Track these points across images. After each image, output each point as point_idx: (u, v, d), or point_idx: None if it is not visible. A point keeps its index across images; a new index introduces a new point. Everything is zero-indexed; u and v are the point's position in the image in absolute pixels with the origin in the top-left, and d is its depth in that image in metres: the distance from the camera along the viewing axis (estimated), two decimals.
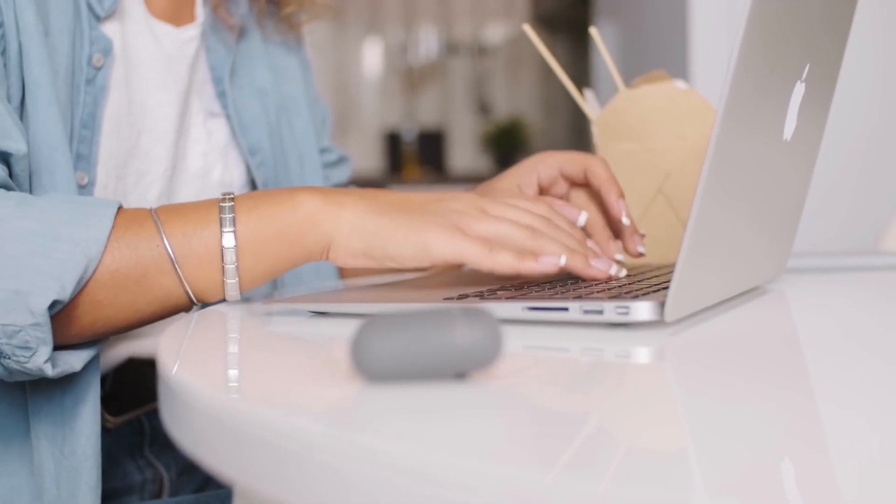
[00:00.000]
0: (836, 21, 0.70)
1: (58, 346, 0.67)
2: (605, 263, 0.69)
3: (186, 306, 0.70)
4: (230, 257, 0.67)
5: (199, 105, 0.94)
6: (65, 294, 0.63)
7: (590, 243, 0.76)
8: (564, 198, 0.86)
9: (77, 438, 0.74)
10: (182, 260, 0.67)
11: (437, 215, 0.68)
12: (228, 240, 0.67)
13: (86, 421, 0.74)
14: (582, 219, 0.81)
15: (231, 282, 0.68)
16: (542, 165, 0.85)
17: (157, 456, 0.94)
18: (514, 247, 0.67)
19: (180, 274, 0.67)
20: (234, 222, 0.67)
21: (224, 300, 0.70)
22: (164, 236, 0.67)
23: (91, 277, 0.65)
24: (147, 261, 0.66)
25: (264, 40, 1.03)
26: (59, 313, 0.65)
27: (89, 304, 0.66)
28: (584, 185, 0.84)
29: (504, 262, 0.66)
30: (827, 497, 0.28)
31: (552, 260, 0.66)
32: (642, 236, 0.82)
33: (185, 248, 0.67)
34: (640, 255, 0.81)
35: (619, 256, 0.81)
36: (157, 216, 0.68)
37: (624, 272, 0.71)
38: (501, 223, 0.69)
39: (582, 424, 0.38)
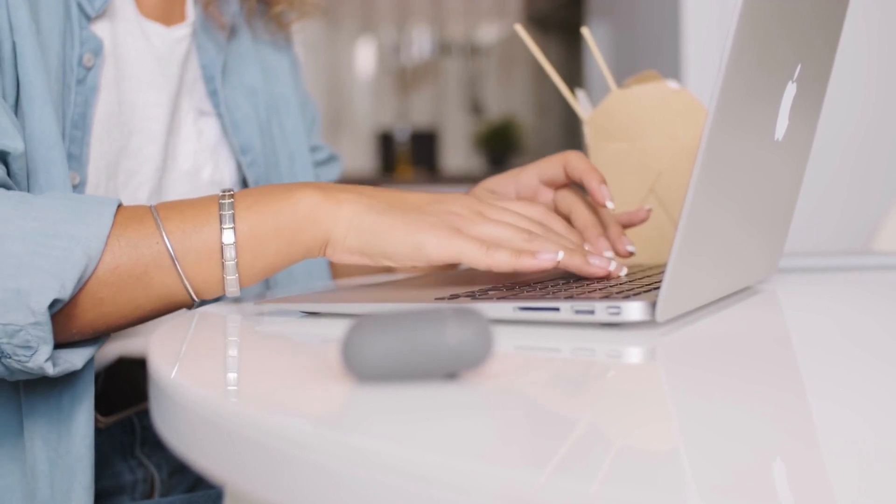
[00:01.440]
0: (827, 21, 0.70)
1: (58, 345, 0.66)
2: (604, 261, 0.69)
3: (187, 303, 0.70)
4: (230, 254, 0.67)
5: (190, 104, 0.94)
6: (65, 292, 0.62)
7: (586, 246, 0.76)
8: (550, 204, 0.85)
9: (73, 438, 0.74)
10: (182, 257, 0.67)
11: (435, 216, 0.69)
12: (228, 236, 0.67)
13: (81, 421, 0.74)
14: (610, 204, 0.80)
15: (231, 278, 0.68)
16: (522, 177, 0.86)
17: (148, 456, 0.94)
18: (511, 247, 0.68)
19: (180, 271, 0.67)
20: (233, 219, 0.67)
21: (223, 297, 0.70)
22: (164, 233, 0.67)
23: (91, 275, 0.65)
24: (147, 258, 0.66)
25: (254, 40, 1.03)
26: (60, 312, 0.65)
27: (90, 302, 0.66)
28: (567, 184, 0.84)
29: (501, 260, 0.66)
30: (819, 496, 0.28)
31: (550, 256, 0.67)
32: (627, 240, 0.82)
33: (185, 245, 0.67)
34: (630, 254, 0.80)
35: (609, 254, 0.81)
36: (157, 213, 0.68)
37: (625, 270, 0.71)
38: (498, 225, 0.69)
39: (573, 425, 0.38)
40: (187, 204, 0.69)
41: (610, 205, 0.79)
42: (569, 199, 0.84)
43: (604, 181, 0.80)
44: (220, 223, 0.67)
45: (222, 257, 0.67)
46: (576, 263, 0.68)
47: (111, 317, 0.68)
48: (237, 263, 0.68)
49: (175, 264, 0.67)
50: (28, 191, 0.74)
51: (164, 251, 0.67)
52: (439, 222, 0.68)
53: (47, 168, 0.74)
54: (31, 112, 0.74)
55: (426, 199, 0.72)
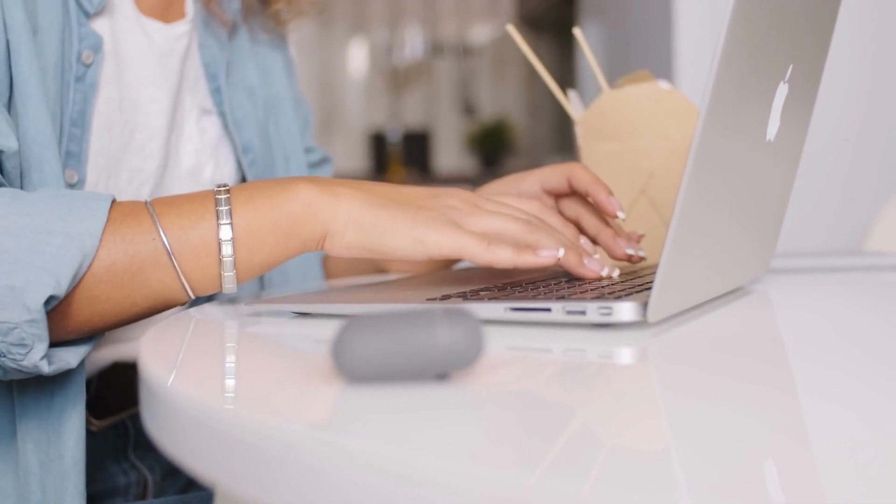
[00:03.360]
0: (819, 22, 0.70)
1: (52, 344, 0.66)
2: (598, 264, 0.69)
3: (183, 300, 0.69)
4: (227, 249, 0.67)
5: (193, 102, 0.94)
6: (60, 289, 0.62)
7: (583, 240, 0.75)
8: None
9: (65, 442, 0.73)
10: (179, 253, 0.66)
11: (433, 210, 0.68)
12: (225, 232, 0.67)
13: (73, 424, 0.74)
14: (622, 215, 0.80)
15: (228, 274, 0.67)
16: (524, 184, 0.85)
17: (141, 459, 0.94)
18: (511, 241, 0.68)
19: (177, 267, 0.66)
20: (230, 214, 0.67)
21: (219, 294, 0.69)
22: (160, 229, 0.66)
23: (87, 272, 0.64)
24: (143, 255, 0.66)
25: (251, 39, 1.03)
26: (55, 309, 0.64)
27: (85, 299, 0.65)
28: (570, 194, 0.84)
29: (503, 256, 0.66)
30: (811, 496, 0.28)
31: (551, 253, 0.67)
32: (640, 237, 0.81)
33: (182, 241, 0.67)
34: (641, 258, 0.80)
35: (630, 251, 0.80)
36: (153, 209, 0.67)
37: (617, 272, 0.71)
38: (497, 218, 0.69)
39: (565, 425, 0.38)
40: (183, 199, 0.69)
41: (621, 215, 0.78)
42: (575, 207, 0.83)
43: (611, 193, 0.80)
44: (217, 219, 0.67)
45: (220, 253, 0.67)
46: (570, 262, 0.68)
47: (107, 314, 0.67)
48: (234, 259, 0.67)
49: (172, 260, 0.66)
50: (21, 189, 0.73)
51: (160, 247, 0.66)
52: (439, 216, 0.68)
53: (41, 167, 0.74)
54: (25, 111, 0.74)
55: (423, 193, 0.72)
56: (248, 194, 0.68)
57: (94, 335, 0.70)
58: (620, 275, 0.75)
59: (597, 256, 0.72)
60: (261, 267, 0.69)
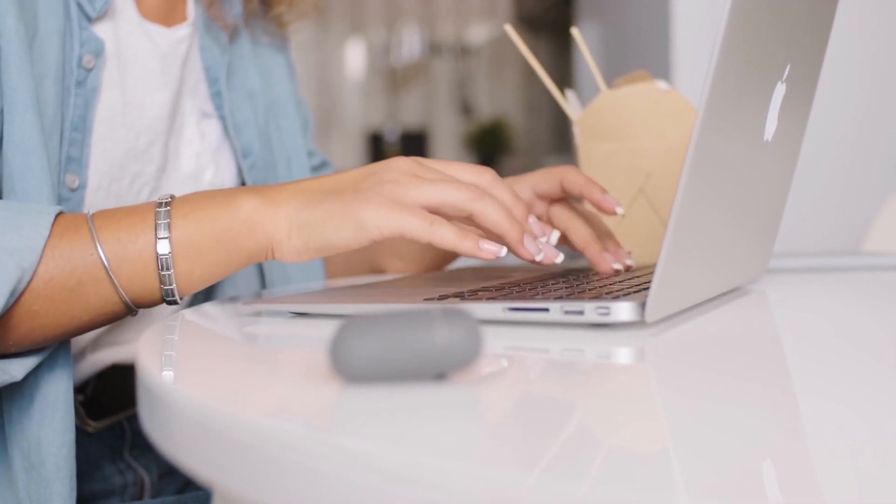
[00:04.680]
0: (816, 22, 0.70)
1: None
2: (535, 246, 0.67)
3: (124, 313, 0.69)
4: (165, 263, 0.66)
5: (193, 105, 0.93)
6: None
7: (531, 220, 0.72)
8: (543, 216, 0.84)
9: (46, 448, 0.73)
10: (116, 268, 0.66)
11: (370, 190, 0.66)
12: (163, 246, 0.66)
13: (56, 431, 0.73)
14: (554, 238, 0.79)
15: (168, 288, 0.67)
16: (515, 187, 0.83)
17: (138, 459, 0.94)
18: (455, 211, 0.66)
19: (115, 282, 0.66)
20: (169, 228, 0.66)
21: (164, 304, 0.69)
22: (97, 244, 0.66)
23: (25, 288, 0.64)
24: (80, 270, 0.65)
25: (252, 42, 1.02)
26: None
27: (24, 314, 0.65)
28: (563, 199, 0.83)
29: (446, 238, 0.64)
30: (809, 495, 0.28)
31: (492, 248, 0.65)
32: (628, 254, 0.81)
33: (120, 256, 0.66)
34: (629, 267, 0.79)
35: (617, 265, 0.79)
36: (92, 223, 0.67)
37: (561, 258, 0.69)
38: (438, 186, 0.66)
39: (562, 425, 0.38)
40: (125, 212, 0.68)
41: (620, 210, 0.78)
42: (564, 216, 0.81)
43: (606, 191, 0.79)
44: (156, 232, 0.66)
45: (158, 267, 0.66)
46: (511, 238, 0.66)
47: (47, 328, 0.67)
48: (174, 273, 0.66)
49: (109, 275, 0.66)
50: (2, 197, 0.73)
51: (97, 262, 0.66)
52: (375, 196, 0.65)
53: (24, 175, 0.73)
54: (11, 118, 0.73)
55: (360, 173, 0.69)
56: (189, 207, 0.67)
57: (41, 348, 0.70)
58: (619, 274, 0.75)
59: (544, 240, 0.69)
60: (203, 280, 0.68)
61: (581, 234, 0.79)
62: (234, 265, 0.68)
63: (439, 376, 0.43)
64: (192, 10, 0.94)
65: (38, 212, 0.66)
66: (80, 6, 0.80)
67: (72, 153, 0.78)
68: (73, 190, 0.78)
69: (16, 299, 0.64)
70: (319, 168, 1.12)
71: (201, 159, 0.93)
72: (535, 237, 0.68)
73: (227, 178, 0.96)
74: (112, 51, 0.83)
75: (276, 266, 0.97)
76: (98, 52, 0.81)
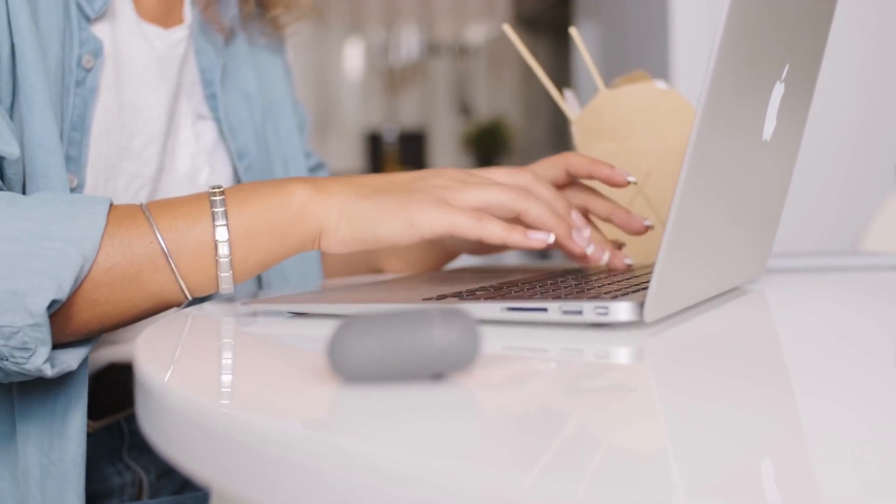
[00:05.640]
0: (815, 21, 0.70)
1: (53, 346, 0.66)
2: (585, 240, 0.70)
3: (181, 301, 0.70)
4: (224, 250, 0.67)
5: (189, 107, 0.94)
6: (62, 293, 0.62)
7: (574, 215, 0.74)
8: None
9: (67, 444, 0.73)
10: (176, 255, 0.67)
11: (422, 191, 0.69)
12: (221, 233, 0.67)
13: (76, 427, 0.73)
14: (632, 178, 0.80)
15: (225, 275, 0.68)
16: None
17: (136, 459, 0.94)
18: (501, 212, 0.69)
19: (175, 269, 0.67)
20: (225, 215, 0.68)
21: (216, 294, 0.70)
22: (157, 232, 0.67)
23: (87, 276, 0.65)
24: (141, 257, 0.66)
25: (249, 44, 1.02)
26: (56, 312, 0.64)
27: (85, 302, 0.66)
28: (570, 184, 0.84)
29: (494, 232, 0.67)
30: (808, 495, 0.28)
31: (541, 236, 0.68)
32: (621, 245, 0.82)
33: (179, 243, 0.67)
34: (628, 266, 0.79)
35: (647, 222, 0.80)
36: (149, 212, 0.68)
37: (607, 257, 0.72)
38: (485, 189, 0.70)
39: (561, 425, 0.38)
40: (178, 202, 0.69)
41: (632, 179, 0.79)
42: (580, 194, 0.83)
43: (612, 166, 0.80)
44: (213, 220, 0.67)
45: (216, 254, 0.67)
46: (561, 234, 0.69)
47: (106, 316, 0.67)
48: (231, 260, 0.68)
49: (170, 262, 0.67)
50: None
51: (158, 250, 0.67)
52: (427, 197, 0.68)
53: (46, 173, 0.74)
54: (31, 117, 0.73)
55: (410, 176, 0.72)
56: (243, 195, 0.69)
57: (92, 337, 0.71)
58: (618, 274, 0.75)
59: (587, 234, 0.72)
60: (257, 267, 0.70)
61: (603, 205, 0.81)
62: (286, 252, 0.70)
63: (438, 376, 0.43)
64: (188, 12, 0.94)
65: (90, 202, 0.67)
66: (79, 6, 0.80)
67: (71, 153, 0.79)
68: (71, 190, 0.79)
69: (77, 288, 0.64)
70: (316, 170, 1.12)
71: (197, 161, 0.93)
72: (580, 231, 0.71)
73: (223, 179, 0.96)
74: (109, 51, 0.84)
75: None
76: (97, 52, 0.81)
